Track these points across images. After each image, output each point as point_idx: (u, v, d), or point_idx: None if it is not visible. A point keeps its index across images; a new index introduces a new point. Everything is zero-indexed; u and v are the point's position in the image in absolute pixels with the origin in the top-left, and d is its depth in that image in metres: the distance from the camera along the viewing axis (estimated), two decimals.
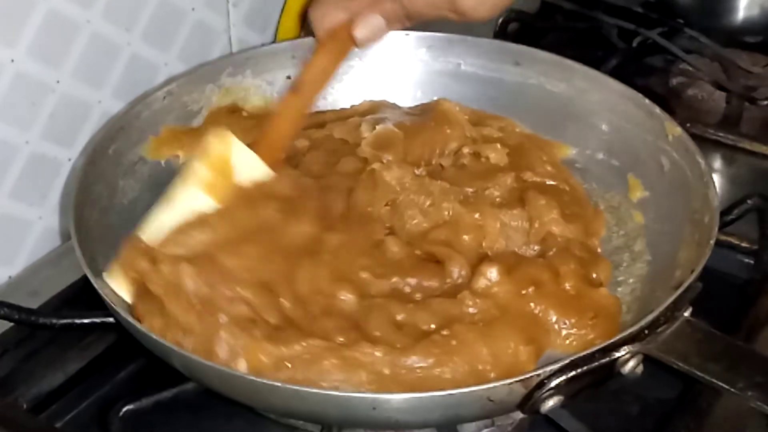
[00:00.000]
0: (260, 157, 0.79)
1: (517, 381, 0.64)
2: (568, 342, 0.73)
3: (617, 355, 0.66)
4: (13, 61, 0.82)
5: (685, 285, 0.69)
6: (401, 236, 0.80)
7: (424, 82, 0.97)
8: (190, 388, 0.72)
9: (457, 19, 0.81)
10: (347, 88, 0.97)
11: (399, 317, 0.72)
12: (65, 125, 0.88)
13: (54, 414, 0.77)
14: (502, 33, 1.14)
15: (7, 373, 0.77)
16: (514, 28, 1.17)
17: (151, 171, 0.87)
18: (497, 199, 0.84)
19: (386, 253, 0.78)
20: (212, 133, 0.78)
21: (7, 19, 0.81)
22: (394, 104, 0.96)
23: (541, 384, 0.64)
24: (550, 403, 0.64)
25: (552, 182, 0.87)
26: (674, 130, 0.85)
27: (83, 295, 0.77)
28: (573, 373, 0.64)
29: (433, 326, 0.71)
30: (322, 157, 0.88)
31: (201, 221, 0.75)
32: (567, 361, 0.64)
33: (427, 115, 0.92)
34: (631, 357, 0.66)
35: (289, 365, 0.68)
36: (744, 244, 0.86)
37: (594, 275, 0.78)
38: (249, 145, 0.79)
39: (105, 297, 0.70)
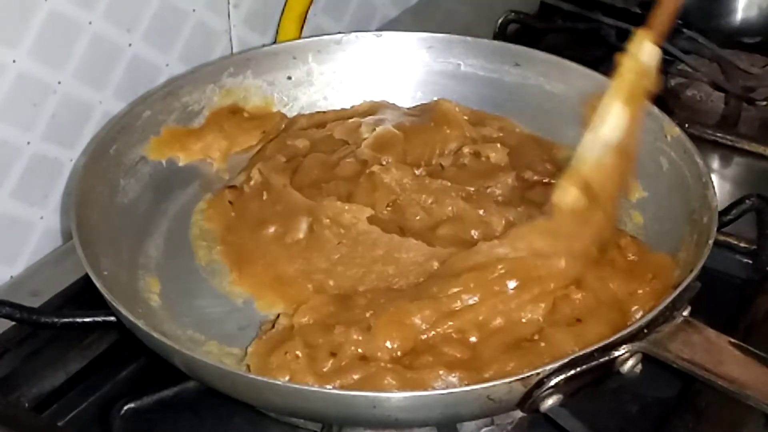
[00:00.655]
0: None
1: (516, 380, 0.64)
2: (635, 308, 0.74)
3: (616, 353, 0.66)
4: (14, 61, 0.82)
5: (684, 284, 0.70)
6: (409, 235, 0.80)
7: (424, 82, 0.97)
8: (191, 386, 0.72)
9: None
10: (348, 89, 0.97)
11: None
12: (67, 126, 0.88)
13: (56, 413, 0.77)
14: (501, 34, 1.15)
15: (8, 372, 0.77)
16: (514, 29, 1.17)
17: (152, 171, 0.87)
18: (499, 198, 0.84)
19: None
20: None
21: (9, 19, 0.81)
22: (393, 105, 0.96)
23: (540, 383, 0.64)
24: (550, 401, 0.64)
25: (553, 181, 0.87)
26: (673, 130, 0.85)
27: (85, 295, 0.77)
28: (572, 371, 0.64)
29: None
30: (321, 158, 0.88)
31: None
32: (566, 360, 0.65)
33: (426, 115, 0.92)
34: (630, 356, 0.66)
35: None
36: (742, 244, 0.87)
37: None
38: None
39: (106, 296, 0.70)
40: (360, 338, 0.70)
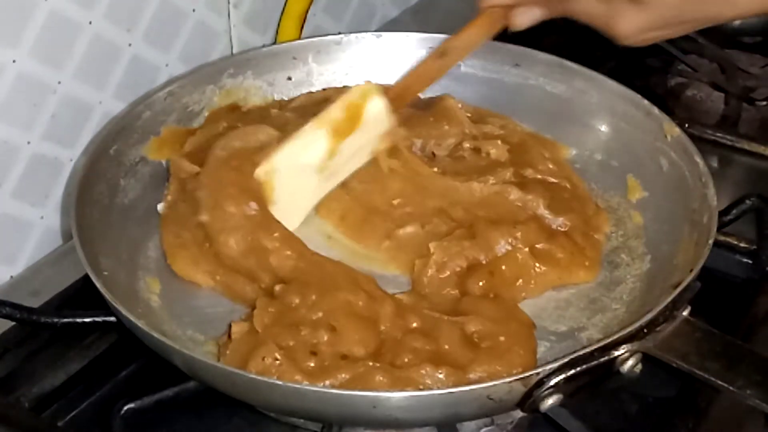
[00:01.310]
0: (390, 105, 0.84)
1: (516, 379, 0.64)
2: None
3: (616, 353, 0.66)
4: (14, 61, 0.82)
5: (684, 284, 0.70)
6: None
7: None
8: (191, 386, 0.72)
9: (606, 34, 0.79)
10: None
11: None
12: (67, 126, 0.88)
13: (56, 413, 0.77)
14: (501, 34, 1.14)
15: (8, 373, 0.77)
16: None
17: (152, 171, 0.87)
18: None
19: None
20: (357, 86, 0.84)
21: (9, 19, 0.81)
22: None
23: (540, 383, 0.64)
24: (550, 401, 0.65)
25: (553, 179, 0.87)
26: (673, 130, 0.85)
27: (84, 295, 0.77)
28: (572, 371, 0.65)
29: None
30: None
31: None
32: (566, 360, 0.65)
33: (428, 109, 0.92)
34: (630, 356, 0.66)
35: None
36: (742, 244, 0.87)
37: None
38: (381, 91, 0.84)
39: (106, 296, 0.70)
40: (331, 338, 0.71)
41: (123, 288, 0.76)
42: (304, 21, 1.05)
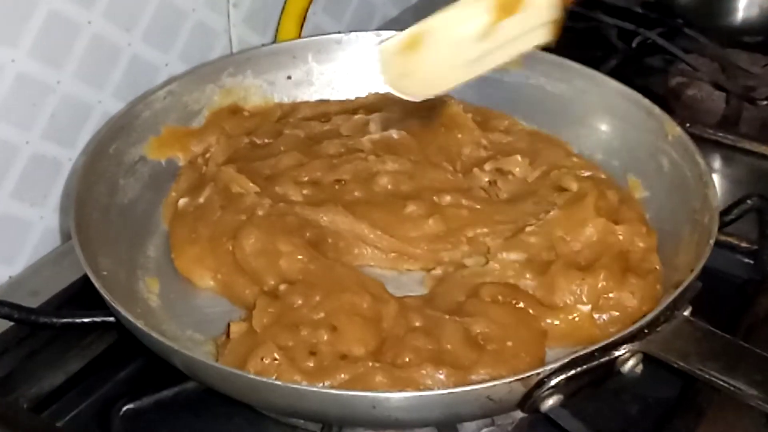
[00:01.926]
0: None
1: (516, 380, 0.64)
2: None
3: (617, 353, 0.66)
4: (14, 61, 0.82)
5: (685, 284, 0.70)
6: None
7: None
8: (191, 387, 0.72)
9: None
10: (348, 89, 0.97)
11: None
12: (66, 125, 0.88)
13: (55, 413, 0.77)
14: None
15: (7, 373, 0.77)
16: None
17: (151, 171, 0.87)
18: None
19: None
20: None
21: (8, 19, 0.81)
22: (399, 98, 0.96)
23: (540, 383, 0.64)
24: (550, 402, 0.64)
25: (587, 172, 0.87)
26: (674, 130, 0.85)
27: (84, 295, 0.77)
28: (572, 371, 0.64)
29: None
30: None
31: None
32: (566, 360, 0.64)
33: (433, 115, 0.91)
34: (631, 356, 0.66)
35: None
36: (743, 244, 0.86)
37: None
38: None
39: (105, 296, 0.70)
40: (331, 338, 0.70)
41: (122, 288, 0.76)
42: (304, 20, 1.05)
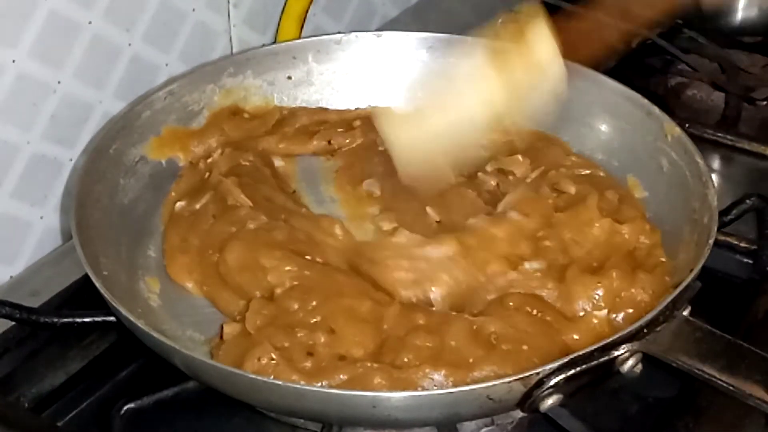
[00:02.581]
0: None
1: (516, 379, 0.64)
2: None
3: (616, 353, 0.66)
4: (14, 61, 0.82)
5: (684, 284, 0.70)
6: None
7: (424, 83, 0.97)
8: (191, 386, 0.72)
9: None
10: (348, 89, 0.97)
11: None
12: (66, 125, 0.88)
13: (55, 413, 0.77)
14: None
15: (8, 372, 0.77)
16: None
17: (152, 171, 0.87)
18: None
19: None
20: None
21: (9, 19, 0.81)
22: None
23: (540, 382, 0.64)
24: (550, 401, 0.64)
25: (585, 171, 0.87)
26: (673, 130, 0.85)
27: (84, 295, 0.77)
28: (572, 371, 0.64)
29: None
30: None
31: None
32: (566, 360, 0.65)
33: None
34: (631, 356, 0.66)
35: None
36: (743, 244, 0.86)
37: None
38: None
39: (106, 296, 0.70)
40: (328, 340, 0.70)
41: (123, 288, 0.76)
42: (304, 21, 1.05)
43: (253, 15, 1.03)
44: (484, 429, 0.73)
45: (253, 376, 0.66)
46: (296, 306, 0.73)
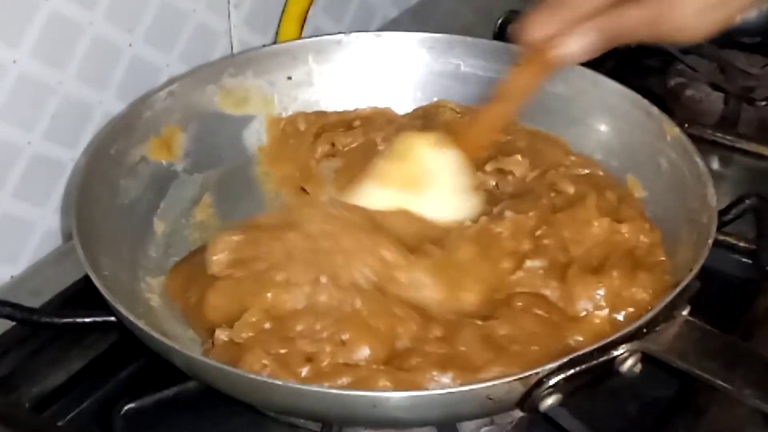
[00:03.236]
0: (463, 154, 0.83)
1: (516, 379, 0.64)
2: None
3: (616, 353, 0.66)
4: (15, 62, 0.82)
5: (684, 284, 0.70)
6: None
7: (424, 82, 0.97)
8: (192, 386, 0.72)
9: (666, 37, 0.72)
10: (348, 89, 0.97)
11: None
12: (67, 126, 0.88)
13: (56, 413, 0.77)
14: (501, 34, 1.15)
15: (9, 372, 0.77)
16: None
17: (152, 171, 0.87)
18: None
19: None
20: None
21: (10, 20, 0.81)
22: (393, 114, 0.96)
23: (539, 382, 0.64)
24: (549, 401, 0.64)
25: (585, 171, 0.87)
26: (672, 130, 0.85)
27: (85, 295, 0.77)
28: (572, 371, 0.64)
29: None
30: None
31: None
32: (566, 360, 0.65)
33: (429, 123, 0.92)
34: (630, 355, 0.66)
35: None
36: (742, 244, 0.87)
37: None
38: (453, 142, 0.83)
39: (106, 296, 0.71)
40: (336, 350, 0.69)
41: (123, 288, 0.76)
42: (304, 21, 1.05)
43: (254, 16, 1.03)
44: (484, 428, 0.73)
45: (254, 376, 0.66)
46: (300, 327, 0.71)
